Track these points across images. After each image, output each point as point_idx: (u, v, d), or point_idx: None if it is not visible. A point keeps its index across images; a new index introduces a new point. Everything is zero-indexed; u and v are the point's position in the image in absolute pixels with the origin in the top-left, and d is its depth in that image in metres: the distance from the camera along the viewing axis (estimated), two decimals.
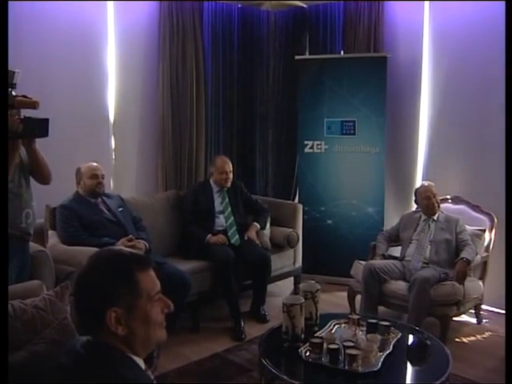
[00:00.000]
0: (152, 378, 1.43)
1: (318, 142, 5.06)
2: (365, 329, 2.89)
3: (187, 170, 5.01)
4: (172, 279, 3.46)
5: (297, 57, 5.18)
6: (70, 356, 1.34)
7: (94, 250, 3.19)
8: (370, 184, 4.94)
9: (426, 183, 4.23)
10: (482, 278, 4.11)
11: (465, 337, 3.93)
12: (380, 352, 2.62)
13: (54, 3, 4.02)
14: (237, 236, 4.33)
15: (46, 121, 2.45)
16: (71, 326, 1.94)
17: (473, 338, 3.91)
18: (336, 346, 2.57)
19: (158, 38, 4.76)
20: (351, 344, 2.59)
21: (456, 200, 4.46)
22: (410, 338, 3.02)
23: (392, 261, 4.08)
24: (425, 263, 3.93)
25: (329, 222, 5.11)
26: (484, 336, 3.96)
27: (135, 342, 1.34)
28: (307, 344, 2.67)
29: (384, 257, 4.14)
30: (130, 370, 1.31)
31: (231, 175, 4.46)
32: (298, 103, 5.19)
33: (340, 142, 5.00)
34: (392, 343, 2.75)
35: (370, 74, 4.81)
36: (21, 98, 2.38)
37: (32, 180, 2.89)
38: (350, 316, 3.01)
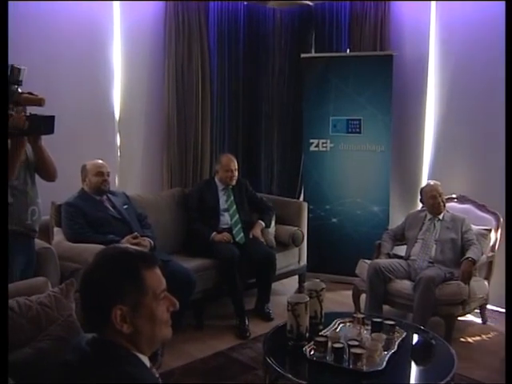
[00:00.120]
0: (157, 375, 1.42)
1: (324, 141, 5.05)
2: (369, 328, 2.88)
3: (192, 168, 5.01)
4: (177, 277, 3.46)
5: (303, 55, 5.17)
6: (76, 353, 1.34)
7: (99, 247, 3.19)
8: (375, 182, 4.93)
9: (431, 182, 4.21)
10: (487, 277, 4.09)
11: (470, 336, 3.91)
12: (385, 351, 2.60)
13: (60, 2, 4.02)
14: (242, 234, 4.33)
15: (52, 118, 2.45)
16: (76, 323, 1.95)
17: (478, 338, 3.90)
18: (341, 345, 2.56)
19: (163, 36, 4.75)
20: (356, 343, 2.58)
21: (462, 199, 4.45)
22: (415, 338, 3.02)
23: (397, 260, 4.07)
24: (430, 262, 3.92)
25: (334, 220, 5.10)
26: (489, 336, 3.95)
27: (140, 339, 1.34)
28: (312, 343, 2.66)
29: (389, 256, 4.13)
30: (136, 368, 1.31)
31: (236, 173, 4.46)
32: (303, 101, 5.18)
33: (345, 141, 4.98)
34: (397, 342, 2.74)
35: (376, 73, 4.79)
36: (27, 95, 2.38)
37: (37, 177, 2.89)
38: (354, 315, 3.00)
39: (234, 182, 4.46)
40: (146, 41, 4.71)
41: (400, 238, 4.29)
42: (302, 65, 5.17)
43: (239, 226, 4.37)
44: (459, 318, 3.86)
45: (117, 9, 4.43)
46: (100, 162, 3.81)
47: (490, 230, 4.14)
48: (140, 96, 4.72)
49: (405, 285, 3.86)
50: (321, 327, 2.92)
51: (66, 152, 3.75)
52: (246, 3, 5.39)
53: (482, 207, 4.31)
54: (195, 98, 4.92)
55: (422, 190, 4.22)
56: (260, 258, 4.20)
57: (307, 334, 2.76)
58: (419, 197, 4.24)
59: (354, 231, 5.02)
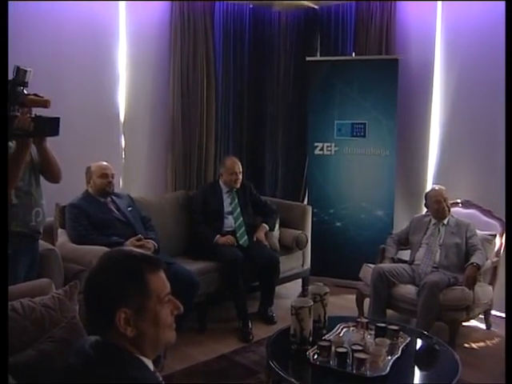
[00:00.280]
0: (160, 379, 1.42)
1: (328, 144, 5.04)
2: (373, 332, 2.87)
3: (196, 170, 5.01)
4: (180, 279, 3.45)
5: (308, 58, 5.17)
6: (79, 356, 1.34)
7: (103, 249, 3.20)
8: (379, 187, 4.92)
9: (436, 187, 4.20)
10: (491, 283, 4.07)
11: (474, 342, 3.90)
12: (388, 356, 2.59)
13: (66, 2, 4.03)
14: (245, 237, 4.33)
15: (57, 120, 2.45)
16: (80, 325, 1.94)
17: (482, 344, 3.89)
18: (344, 350, 2.55)
19: (169, 38, 4.76)
20: (359, 348, 2.56)
21: (466, 204, 4.43)
22: (419, 343, 3.01)
23: (401, 264, 4.06)
24: (434, 267, 3.90)
25: (338, 224, 5.09)
26: (493, 342, 3.93)
27: (144, 343, 1.34)
28: (315, 347, 2.65)
29: (393, 260, 4.12)
30: (139, 372, 1.30)
31: (241, 176, 4.46)
32: (308, 104, 5.17)
33: (350, 144, 4.98)
34: (401, 348, 2.72)
35: (382, 76, 4.78)
36: (32, 97, 2.38)
37: (42, 178, 2.89)
38: (358, 319, 3.00)
39: (238, 185, 4.46)
40: (151, 42, 4.72)
41: (404, 242, 4.28)
42: (307, 68, 5.16)
43: (243, 228, 4.36)
44: (463, 324, 3.84)
45: (122, 10, 4.44)
46: (104, 163, 3.81)
47: (494, 236, 4.13)
48: (145, 98, 4.73)
49: (409, 289, 3.85)
50: (324, 331, 2.90)
51: (70, 154, 3.75)
52: (251, 6, 5.39)
53: (486, 212, 4.30)
54: (200, 100, 4.92)
55: (426, 194, 4.21)
56: (263, 262, 4.19)
57: (311, 338, 2.75)
58: (424, 201, 4.23)
59: (358, 235, 5.00)
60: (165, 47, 4.77)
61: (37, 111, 2.41)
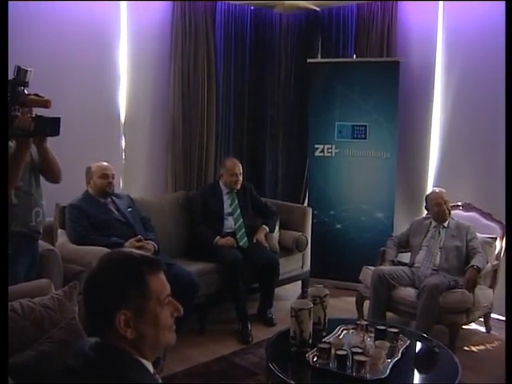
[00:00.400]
0: (160, 381, 1.41)
1: (329, 146, 5.04)
2: (373, 335, 2.86)
3: (197, 171, 5.01)
4: (180, 280, 3.45)
5: (309, 60, 5.17)
6: (79, 358, 1.34)
7: (103, 250, 3.20)
8: (380, 189, 4.91)
9: (437, 189, 4.20)
10: (492, 286, 4.07)
11: (474, 345, 3.89)
12: (388, 359, 2.59)
13: (67, 2, 4.03)
14: (245, 238, 4.32)
15: (58, 120, 2.45)
16: (79, 326, 1.93)
17: (482, 347, 3.88)
18: (344, 352, 2.55)
19: (170, 39, 4.76)
20: (359, 350, 2.56)
21: (467, 207, 4.43)
22: (419, 346, 3.00)
23: (401, 267, 4.05)
24: (434, 270, 3.90)
25: (338, 226, 5.08)
26: (493, 345, 3.92)
27: (144, 345, 1.33)
28: (315, 349, 2.65)
29: (393, 263, 4.12)
30: (139, 374, 1.30)
31: (241, 177, 4.45)
32: (309, 106, 5.17)
33: (351, 147, 4.97)
34: (400, 350, 2.72)
35: (382, 79, 4.78)
36: (33, 97, 2.38)
37: (42, 178, 2.89)
38: (358, 322, 2.99)
39: (238, 186, 4.45)
40: (153, 43, 4.72)
41: (404, 245, 4.27)
42: (308, 70, 5.16)
43: (243, 230, 4.36)
44: (463, 327, 3.83)
45: (123, 10, 4.44)
46: (105, 164, 3.81)
47: (495, 239, 4.13)
48: (145, 98, 4.73)
49: (409, 292, 3.84)
50: (324, 334, 2.90)
51: (70, 154, 3.75)
52: (252, 8, 5.39)
53: (487, 215, 4.29)
54: (201, 101, 4.92)
55: (427, 197, 4.20)
56: (263, 263, 4.18)
57: (310, 341, 2.75)
58: (424, 204, 4.23)
59: (359, 237, 5.00)
60: (166, 48, 4.77)
61: (37, 111, 2.41)
